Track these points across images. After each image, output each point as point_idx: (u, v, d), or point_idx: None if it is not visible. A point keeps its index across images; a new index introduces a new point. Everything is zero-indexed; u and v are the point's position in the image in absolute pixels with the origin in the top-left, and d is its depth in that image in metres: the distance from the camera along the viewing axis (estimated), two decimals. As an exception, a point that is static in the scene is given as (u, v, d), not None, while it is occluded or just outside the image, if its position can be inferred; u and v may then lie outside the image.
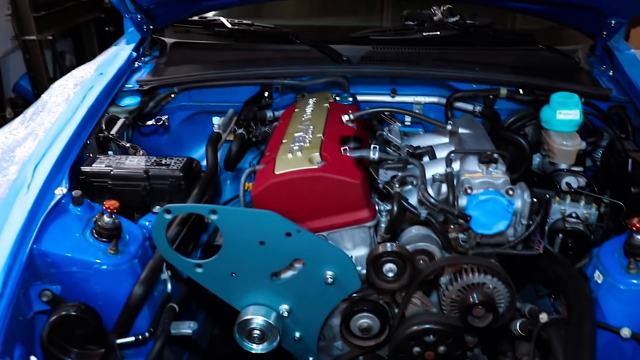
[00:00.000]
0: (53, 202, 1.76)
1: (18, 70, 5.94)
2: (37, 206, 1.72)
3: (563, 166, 2.12)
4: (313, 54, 2.61)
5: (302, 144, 1.87)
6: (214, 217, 1.63)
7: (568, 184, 2.04)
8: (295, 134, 1.97)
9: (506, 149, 2.20)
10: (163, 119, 2.40)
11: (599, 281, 1.70)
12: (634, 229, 1.64)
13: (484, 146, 1.96)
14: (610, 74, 2.54)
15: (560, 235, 1.95)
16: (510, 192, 1.73)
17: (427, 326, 1.83)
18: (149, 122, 2.42)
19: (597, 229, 2.03)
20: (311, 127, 2.00)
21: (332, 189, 1.73)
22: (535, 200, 1.77)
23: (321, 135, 1.92)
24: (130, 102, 2.50)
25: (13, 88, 5.97)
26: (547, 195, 1.99)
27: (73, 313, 1.55)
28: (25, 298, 1.61)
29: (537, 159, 2.30)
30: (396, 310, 1.88)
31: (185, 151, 2.59)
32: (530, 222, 1.78)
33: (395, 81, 2.53)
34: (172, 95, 2.56)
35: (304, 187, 1.73)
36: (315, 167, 1.74)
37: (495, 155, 1.81)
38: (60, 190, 1.81)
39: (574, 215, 1.98)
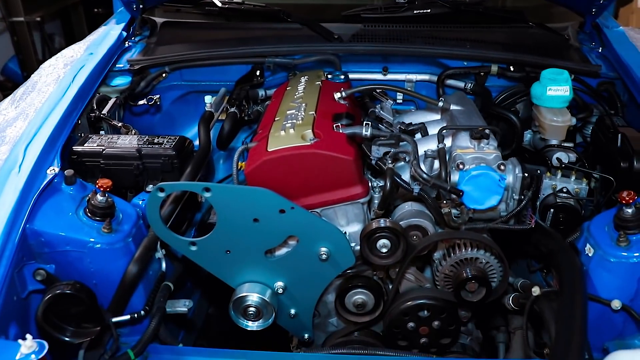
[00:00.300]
0: (45, 182, 1.75)
1: (6, 53, 5.86)
2: (29, 186, 1.72)
3: (554, 142, 2.13)
4: (304, 32, 2.60)
5: (294, 121, 1.87)
6: (207, 194, 1.63)
7: (559, 160, 2.05)
8: (288, 112, 1.96)
9: (497, 125, 2.20)
10: (154, 98, 2.39)
11: (590, 254, 1.72)
12: (624, 202, 1.66)
13: (475, 122, 1.97)
14: (600, 50, 2.55)
15: (552, 210, 1.97)
16: (502, 167, 1.74)
17: (421, 301, 1.85)
18: (141, 102, 2.40)
19: (588, 203, 2.05)
20: (303, 104, 2.00)
21: (325, 166, 1.73)
22: (526, 175, 1.79)
23: (313, 112, 1.92)
24: (121, 81, 2.48)
25: (1, 71, 5.89)
26: (539, 171, 2.01)
27: (68, 291, 1.55)
28: (20, 277, 1.61)
29: (528, 135, 2.31)
30: (390, 286, 1.90)
31: (178, 131, 2.58)
32: (522, 197, 1.80)
33: (386, 59, 2.53)
34: (164, 75, 2.55)
35: (297, 164, 1.73)
36: (308, 143, 1.75)
37: (487, 131, 1.82)
38: (52, 170, 1.81)
39: (564, 190, 2.00)
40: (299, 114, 1.92)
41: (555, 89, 2.10)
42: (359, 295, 1.85)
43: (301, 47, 2.49)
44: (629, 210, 1.67)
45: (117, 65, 2.50)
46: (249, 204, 1.65)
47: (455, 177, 1.74)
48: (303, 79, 2.27)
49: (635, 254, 1.64)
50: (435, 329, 1.88)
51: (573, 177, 2.02)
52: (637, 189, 1.72)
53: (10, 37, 5.68)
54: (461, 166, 1.74)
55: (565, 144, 2.12)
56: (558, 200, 1.97)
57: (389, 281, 1.93)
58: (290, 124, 1.85)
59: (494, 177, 1.70)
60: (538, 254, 2.08)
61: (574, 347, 1.39)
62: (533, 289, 1.71)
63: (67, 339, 1.55)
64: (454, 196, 1.73)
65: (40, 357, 1.31)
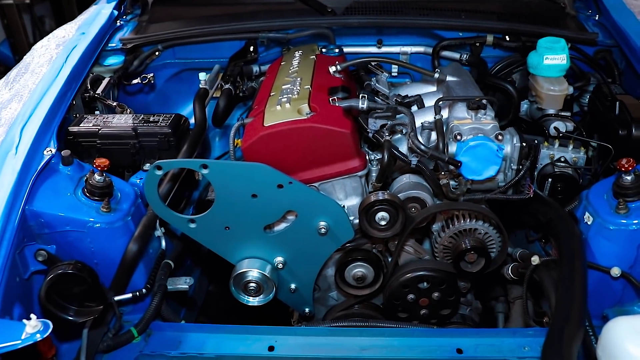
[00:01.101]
0: (42, 163, 1.75)
1: (-3, 37, 5.81)
2: (26, 167, 1.71)
3: (551, 111, 2.12)
4: (297, 6, 2.57)
5: (290, 95, 1.86)
6: (205, 171, 1.63)
7: (556, 129, 2.05)
8: (283, 87, 1.95)
9: (494, 96, 2.19)
10: (148, 77, 2.37)
11: (589, 222, 1.73)
12: (623, 169, 1.66)
13: (472, 93, 1.96)
14: (596, 18, 2.53)
15: (550, 179, 1.97)
16: (500, 137, 1.74)
17: (420, 273, 1.86)
18: (135, 81, 2.39)
19: (586, 172, 2.05)
20: (298, 79, 1.98)
21: (322, 139, 1.72)
22: (524, 145, 1.78)
23: (309, 86, 1.91)
24: (114, 61, 2.47)
25: (-7, 54, 5.84)
26: (536, 141, 2.01)
27: (70, 271, 1.55)
28: (21, 258, 1.62)
29: (525, 105, 2.30)
30: (389, 259, 1.91)
31: (173, 109, 2.56)
32: (520, 166, 1.80)
33: (381, 32, 2.51)
34: (157, 53, 2.53)
35: (294, 138, 1.73)
36: (304, 117, 1.74)
37: (484, 102, 1.81)
38: (49, 151, 1.80)
39: (562, 159, 1.99)
40: (295, 88, 1.91)
41: (552, 57, 2.08)
42: (358, 269, 1.86)
43: (294, 21, 2.47)
44: (628, 178, 1.67)
45: (109, 45, 2.49)
46: (246, 179, 1.64)
47: (452, 148, 1.74)
48: (297, 54, 2.25)
49: (635, 221, 1.64)
50: (435, 300, 1.89)
51: (571, 146, 2.02)
52: (635, 156, 1.71)
53: (0, 20, 5.61)
54: (459, 137, 1.74)
55: (563, 113, 2.11)
56: (556, 170, 1.97)
57: (388, 254, 1.94)
58: (286, 99, 1.84)
59: (491, 147, 1.70)
60: (537, 224, 2.09)
61: (574, 315, 1.40)
62: (532, 258, 1.72)
63: (70, 318, 1.55)
64: (452, 167, 1.74)
65: (45, 336, 1.31)
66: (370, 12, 2.48)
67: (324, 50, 2.30)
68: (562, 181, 1.97)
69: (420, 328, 1.86)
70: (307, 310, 1.95)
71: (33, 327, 1.31)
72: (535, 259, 1.71)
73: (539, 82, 2.12)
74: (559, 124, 2.07)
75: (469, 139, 1.72)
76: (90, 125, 2.03)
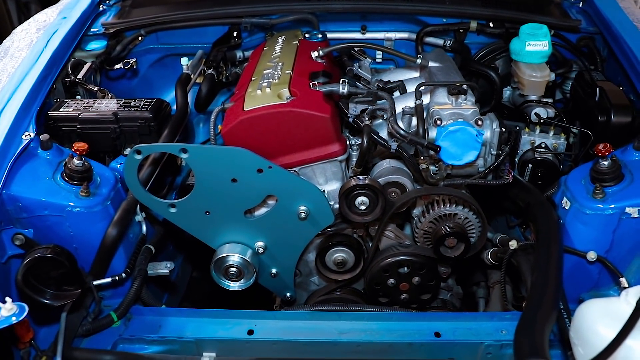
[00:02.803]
0: (21, 147, 1.74)
1: (-20, 24, 5.73)
2: (4, 151, 1.71)
3: (532, 98, 2.13)
4: (281, -9, 2.56)
5: (270, 80, 1.86)
6: (184, 155, 1.62)
7: (537, 115, 2.06)
8: (264, 71, 1.95)
9: (477, 82, 2.20)
10: (131, 62, 2.35)
11: (567, 207, 1.74)
12: (600, 154, 1.67)
13: (453, 79, 1.96)
14: (580, 5, 2.53)
15: (530, 165, 1.98)
16: (480, 122, 1.74)
17: (400, 258, 1.87)
18: (117, 66, 2.36)
19: (567, 158, 2.06)
20: (280, 64, 1.98)
21: (301, 124, 1.72)
22: (504, 130, 1.79)
23: (290, 71, 1.90)
24: (97, 46, 2.45)
25: (-23, 41, 5.77)
26: (517, 127, 2.01)
27: (47, 255, 1.54)
28: (-2, 242, 1.61)
29: (507, 92, 2.31)
30: (370, 244, 1.92)
31: (156, 95, 2.53)
32: (500, 152, 1.80)
33: (365, 17, 2.50)
34: (140, 38, 2.51)
35: (274, 123, 1.73)
36: (284, 102, 1.73)
37: (464, 87, 1.81)
38: (28, 135, 1.79)
39: (543, 145, 2.00)
40: (276, 73, 1.91)
41: (534, 44, 2.09)
42: (339, 253, 1.86)
43: (278, 6, 2.46)
44: (605, 163, 1.68)
45: (91, 29, 2.47)
46: (226, 164, 1.64)
47: (432, 133, 1.75)
48: (280, 39, 2.24)
49: (611, 206, 1.66)
50: (416, 284, 1.90)
51: (551, 133, 2.03)
52: (614, 142, 1.72)
53: (-16, 6, 5.55)
54: (439, 122, 1.74)
55: (544, 100, 2.12)
56: (536, 156, 1.98)
57: (368, 239, 1.95)
58: (266, 83, 1.83)
59: (471, 132, 1.70)
60: (516, 209, 2.10)
61: (548, 297, 1.41)
62: (510, 243, 1.73)
63: (47, 301, 1.56)
64: (431, 152, 1.74)
65: (20, 319, 1.32)
66: (354, -2, 2.47)
67: (307, 35, 2.29)
68: (543, 167, 1.98)
69: (399, 312, 1.87)
70: (288, 295, 1.96)
71: (8, 310, 1.31)
72: (513, 244, 1.72)
73: (521, 68, 2.13)
74: (540, 110, 2.08)
75: (448, 124, 1.72)
76: (71, 110, 2.02)
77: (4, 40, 2.35)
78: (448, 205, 1.81)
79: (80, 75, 2.22)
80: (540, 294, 1.42)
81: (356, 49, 2.19)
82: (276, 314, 1.78)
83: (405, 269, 1.88)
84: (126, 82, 2.56)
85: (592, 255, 1.68)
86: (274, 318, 1.73)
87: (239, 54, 2.47)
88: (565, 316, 1.55)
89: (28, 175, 1.71)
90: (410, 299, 1.93)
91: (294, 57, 2.03)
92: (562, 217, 1.75)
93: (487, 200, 1.92)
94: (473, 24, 2.40)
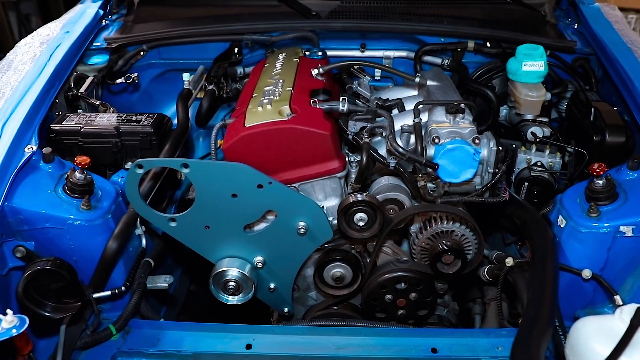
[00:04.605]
0: (23, 160, 1.75)
1: (-19, 35, 5.77)
2: (6, 164, 1.72)
3: (529, 117, 2.17)
4: (282, 9, 2.59)
5: (272, 97, 1.88)
6: (185, 170, 1.63)
7: (533, 134, 2.09)
8: (265, 88, 1.97)
9: (474, 101, 2.23)
10: (133, 76, 2.38)
11: (562, 225, 1.76)
12: (595, 174, 1.70)
13: (451, 97, 1.99)
14: (575, 27, 2.58)
15: (526, 183, 2.01)
16: (477, 141, 1.77)
17: (398, 274, 1.88)
18: (119, 80, 2.39)
19: (562, 177, 2.09)
20: (281, 81, 2.01)
21: (302, 140, 1.75)
22: (501, 148, 1.82)
23: (291, 88, 1.93)
24: (99, 60, 2.48)
25: (-23, 52, 5.80)
26: (514, 145, 2.04)
27: (48, 267, 1.55)
28: (-1, 254, 1.62)
29: (504, 111, 2.35)
30: (368, 260, 1.93)
31: (156, 109, 2.56)
32: (497, 170, 1.83)
33: (364, 36, 2.54)
34: (141, 53, 2.54)
35: (274, 139, 1.75)
36: (285, 119, 1.76)
37: (462, 106, 1.84)
38: (30, 148, 1.80)
39: (539, 164, 2.03)
40: (277, 90, 1.93)
41: (530, 64, 2.13)
42: (337, 269, 1.88)
43: (279, 24, 2.49)
44: (600, 182, 1.71)
45: (94, 44, 2.50)
46: (227, 179, 1.65)
47: (431, 151, 1.77)
48: (281, 56, 2.27)
49: (606, 225, 1.68)
50: (413, 300, 1.91)
51: (547, 151, 2.06)
52: (608, 162, 1.75)
53: (-14, 17, 5.59)
54: (437, 140, 1.76)
55: (540, 119, 2.15)
56: (532, 174, 2.01)
57: (366, 254, 1.96)
58: (267, 100, 1.86)
59: (468, 150, 1.72)
60: (513, 227, 2.13)
61: (544, 315, 1.43)
62: (506, 260, 1.75)
63: (47, 314, 1.56)
64: (429, 170, 1.76)
65: (21, 331, 1.32)
66: (354, 17, 2.51)
67: (307, 53, 2.32)
68: (538, 185, 2.01)
69: (396, 328, 1.88)
70: (286, 309, 1.96)
71: (9, 323, 1.31)
72: (509, 261, 1.74)
73: (517, 87, 2.16)
74: (536, 129, 2.11)
75: (446, 142, 1.75)
76: (73, 123, 2.04)
77: (8, 54, 2.38)
78: (445, 222, 1.83)
79: (82, 89, 2.24)
80: (536, 311, 1.43)
81: (355, 66, 2.22)
82: (274, 329, 1.79)
83: (403, 284, 1.90)
84: (127, 97, 2.58)
85: (587, 273, 1.70)
86: (272, 333, 1.74)
87: (239, 70, 2.50)
88: (560, 333, 1.57)
89: (30, 188, 1.72)
90: (408, 314, 1.94)
91: (295, 74, 2.06)
92: (558, 235, 1.77)
93: (483, 218, 1.94)
94: (471, 44, 2.44)
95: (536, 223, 1.76)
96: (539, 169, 2.02)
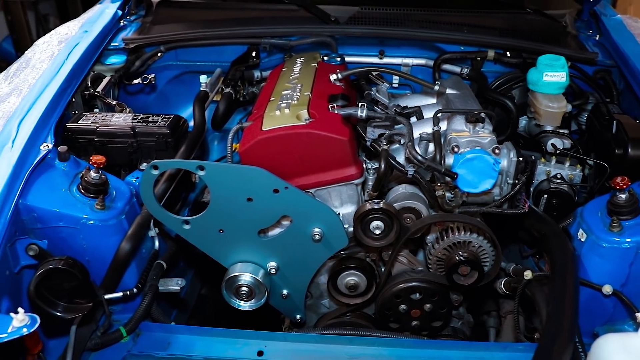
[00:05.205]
0: (38, 158, 1.75)
1: (0, 33, 5.81)
2: (22, 161, 1.71)
3: (549, 128, 2.13)
4: (301, 13, 2.58)
5: (289, 101, 1.86)
6: (201, 173, 1.62)
7: (553, 145, 2.06)
8: (283, 92, 1.96)
9: (493, 110, 2.20)
10: (149, 77, 2.37)
11: (582, 239, 1.73)
12: (618, 187, 1.66)
13: (471, 106, 1.97)
14: (597, 38, 2.55)
15: (545, 195, 1.98)
16: (497, 151, 1.74)
17: (413, 284, 1.85)
18: (136, 81, 2.39)
19: (581, 190, 2.06)
20: (299, 85, 1.99)
21: (319, 146, 1.72)
22: (521, 159, 1.79)
23: (309, 93, 1.91)
24: (116, 60, 2.47)
25: (-5, 50, 5.85)
26: (533, 157, 2.01)
27: (60, 267, 1.54)
28: (12, 252, 1.61)
29: (523, 121, 2.32)
30: (383, 268, 1.90)
31: (173, 111, 2.55)
32: (516, 181, 1.79)
33: (383, 42, 2.52)
34: (159, 55, 2.54)
35: (292, 144, 1.73)
36: (303, 123, 1.74)
37: (483, 115, 1.82)
38: (46, 146, 1.80)
39: (558, 176, 2.00)
40: (295, 94, 1.92)
41: (551, 75, 2.10)
42: (351, 277, 1.85)
43: (297, 28, 2.48)
44: (623, 196, 1.68)
45: (112, 44, 2.49)
46: (243, 183, 1.64)
47: (449, 160, 1.74)
48: (299, 61, 2.26)
49: (627, 240, 1.64)
50: (427, 311, 1.88)
51: (567, 164, 2.02)
52: (630, 175, 1.72)
53: (4, 16, 5.62)
54: (456, 149, 1.74)
55: (560, 130, 2.12)
56: (552, 186, 1.98)
57: (381, 263, 1.94)
58: (285, 104, 1.84)
59: (488, 160, 1.70)
60: (531, 239, 2.09)
61: (564, 331, 1.39)
62: (525, 273, 1.72)
63: (58, 314, 1.54)
64: (448, 179, 1.73)
65: (31, 330, 1.30)
66: (374, 23, 2.49)
67: (325, 58, 2.31)
68: (558, 197, 1.98)
69: (410, 339, 1.85)
70: (298, 316, 1.94)
71: (20, 321, 1.30)
72: (527, 274, 1.71)
73: (537, 98, 2.13)
74: (556, 141, 2.08)
75: (466, 151, 1.72)
76: (89, 122, 2.03)
77: (26, 52, 2.38)
78: (462, 232, 1.80)
79: (99, 89, 2.24)
80: (556, 327, 1.40)
81: (374, 73, 2.20)
82: (286, 336, 1.76)
83: (418, 295, 1.87)
84: (144, 97, 2.57)
85: (607, 289, 1.66)
86: (284, 340, 1.71)
87: (256, 73, 2.49)
88: (580, 350, 1.53)
89: (44, 186, 1.71)
90: (422, 325, 1.91)
91: (313, 79, 2.05)
92: (578, 249, 1.73)
93: (501, 229, 1.91)
94: (490, 53, 2.42)
95: (556, 236, 1.72)
96: (559, 181, 1.99)
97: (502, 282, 1.88)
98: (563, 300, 1.47)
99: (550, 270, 1.65)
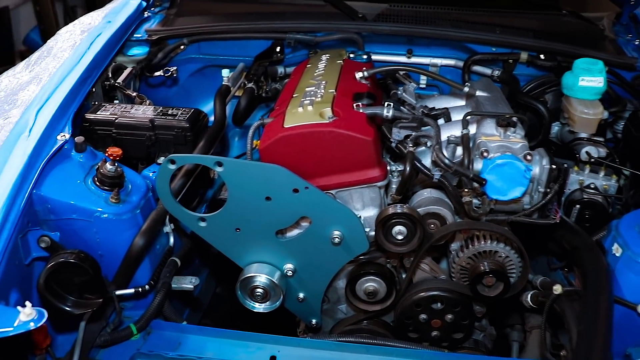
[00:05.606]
0: (55, 148, 1.72)
1: (29, 23, 5.86)
2: (38, 151, 1.68)
3: (583, 135, 2.04)
4: (328, 9, 2.53)
5: (313, 98, 1.80)
6: (219, 169, 1.57)
7: (588, 154, 1.97)
8: (307, 89, 1.90)
9: (524, 115, 2.11)
10: (171, 70, 2.33)
11: (617, 254, 1.64)
12: (657, 201, 1.57)
13: (502, 110, 1.89)
14: (636, 43, 2.45)
15: (577, 206, 1.89)
16: (529, 157, 1.66)
17: (434, 293, 1.78)
18: (157, 73, 2.35)
19: (616, 201, 1.96)
20: (323, 82, 1.93)
21: (342, 145, 1.66)
22: (554, 167, 1.70)
23: (333, 90, 1.85)
24: (138, 52, 2.44)
25: (23, 40, 5.90)
26: (565, 165, 1.92)
27: (72, 260, 1.49)
28: (24, 243, 1.57)
29: (555, 127, 2.23)
30: (404, 275, 1.84)
31: (194, 105, 2.50)
32: (548, 189, 1.71)
33: (411, 41, 2.44)
34: (182, 47, 2.50)
35: (314, 142, 1.67)
36: (326, 121, 1.68)
37: (514, 119, 1.74)
38: (63, 136, 1.77)
39: (592, 186, 1.91)
40: (319, 91, 1.85)
41: (588, 79, 2.01)
42: (370, 283, 1.79)
43: (324, 24, 2.42)
44: (662, 211, 1.59)
45: (134, 35, 2.46)
46: (261, 181, 1.59)
47: (478, 165, 1.67)
48: (324, 57, 2.20)
49: (666, 257, 1.55)
50: (448, 322, 1.81)
51: (602, 173, 1.93)
52: (669, 187, 1.63)
53: (33, 7, 5.66)
54: (485, 154, 1.66)
55: (595, 138, 2.03)
56: (585, 196, 1.89)
57: (402, 270, 1.87)
58: (308, 101, 1.78)
59: (519, 167, 1.62)
60: (561, 251, 2.00)
61: (597, 353, 1.31)
62: (554, 287, 1.63)
63: (67, 308, 1.50)
64: (476, 185, 1.66)
65: (39, 325, 1.27)
66: (402, 21, 2.42)
67: (351, 55, 2.24)
68: (591, 209, 1.89)
69: (430, 350, 1.77)
70: (314, 321, 1.88)
71: (27, 315, 1.26)
72: (557, 289, 1.62)
73: (572, 104, 2.04)
74: (591, 149, 1.99)
75: (496, 156, 1.65)
76: (108, 113, 1.99)
77: (49, 40, 2.36)
78: (489, 241, 1.72)
79: (120, 80, 2.20)
80: (588, 349, 1.32)
81: (401, 72, 2.12)
82: (301, 342, 1.70)
83: (439, 305, 1.79)
84: (165, 90, 2.54)
85: (643, 308, 1.57)
86: (298, 345, 1.65)
87: (280, 69, 2.43)
88: (612, 372, 1.45)
89: (59, 177, 1.68)
90: (442, 336, 1.84)
91: (338, 76, 1.98)
92: (612, 265, 1.64)
93: (529, 239, 1.83)
94: (524, 55, 2.32)
95: (589, 250, 1.64)
96: (592, 191, 1.90)
97: (529, 295, 1.80)
98: (596, 319, 1.38)
99: (582, 285, 1.57)
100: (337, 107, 1.75)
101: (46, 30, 5.73)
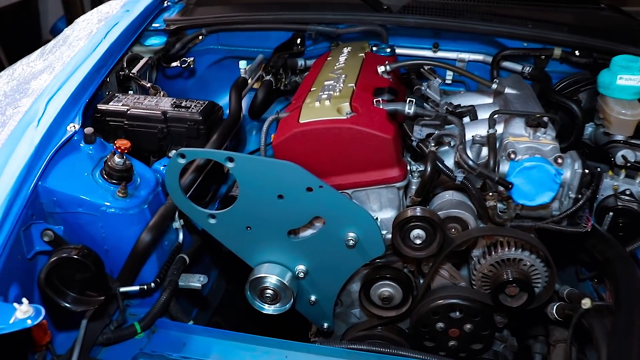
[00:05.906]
0: (64, 139, 1.67)
1: (56, 13, 5.89)
2: (46, 141, 1.63)
3: (619, 137, 1.92)
4: (351, 0, 2.43)
5: (331, 92, 1.72)
6: (230, 164, 1.51)
7: (624, 157, 1.84)
8: (326, 83, 1.82)
9: (556, 115, 2.00)
10: (188, 61, 2.27)
11: (653, 267, 1.53)
12: (698, 211, 1.45)
13: (532, 109, 1.78)
14: (680, 40, 2.30)
15: (611, 213, 1.77)
16: (560, 160, 1.57)
17: (453, 301, 1.71)
18: (174, 64, 2.29)
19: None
20: (343, 76, 1.84)
21: (360, 143, 1.58)
22: (586, 171, 1.59)
23: (353, 85, 1.77)
24: (156, 41, 2.38)
25: (50, 30, 5.93)
26: (599, 169, 1.81)
27: (74, 256, 1.44)
28: (27, 236, 1.53)
29: (589, 129, 2.10)
30: (421, 281, 1.76)
31: (211, 97, 2.45)
32: (579, 195, 1.60)
33: (438, 35, 2.34)
34: (200, 38, 2.44)
35: (330, 139, 1.59)
36: (344, 117, 1.59)
37: (545, 119, 1.63)
38: (73, 127, 1.72)
39: (627, 192, 1.78)
40: (337, 85, 1.77)
41: (626, 78, 1.88)
42: (386, 288, 1.72)
43: (346, 15, 2.33)
44: (703, 221, 1.47)
45: (152, 25, 2.41)
46: (274, 178, 1.52)
47: (504, 167, 1.58)
48: (346, 50, 2.11)
49: None
50: (467, 332, 1.73)
51: (639, 179, 1.81)
52: None
53: (60, -4, 5.70)
54: (513, 156, 1.57)
55: (633, 141, 1.90)
56: (619, 203, 1.76)
57: (420, 275, 1.80)
58: (326, 96, 1.70)
59: (549, 170, 1.52)
60: (591, 262, 1.89)
61: None
62: (583, 301, 1.52)
63: (67, 305, 1.45)
64: (501, 188, 1.57)
65: (36, 322, 1.21)
66: (429, 13, 2.31)
67: (374, 48, 2.16)
68: (626, 216, 1.76)
69: (447, 362, 1.69)
70: (325, 325, 1.82)
71: (24, 313, 1.21)
72: (586, 302, 1.51)
73: (609, 103, 1.92)
74: (627, 153, 1.86)
75: (524, 158, 1.55)
76: (120, 104, 1.94)
77: (65, 29, 2.32)
78: (513, 249, 1.63)
79: (134, 70, 2.15)
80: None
81: (426, 67, 2.02)
82: (310, 347, 1.62)
83: (458, 313, 1.71)
84: (182, 82, 2.49)
85: (679, 326, 1.45)
86: (307, 351, 1.58)
87: (300, 62, 2.35)
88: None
89: (67, 169, 1.63)
90: (460, 347, 1.75)
91: (359, 70, 1.90)
92: (647, 278, 1.53)
93: (557, 248, 1.72)
94: (557, 51, 2.20)
95: (622, 261, 1.54)
96: (628, 198, 1.77)
97: (555, 307, 1.70)
98: (629, 338, 1.28)
99: (614, 300, 1.46)
100: (356, 102, 1.66)
101: (73, 20, 5.73)
